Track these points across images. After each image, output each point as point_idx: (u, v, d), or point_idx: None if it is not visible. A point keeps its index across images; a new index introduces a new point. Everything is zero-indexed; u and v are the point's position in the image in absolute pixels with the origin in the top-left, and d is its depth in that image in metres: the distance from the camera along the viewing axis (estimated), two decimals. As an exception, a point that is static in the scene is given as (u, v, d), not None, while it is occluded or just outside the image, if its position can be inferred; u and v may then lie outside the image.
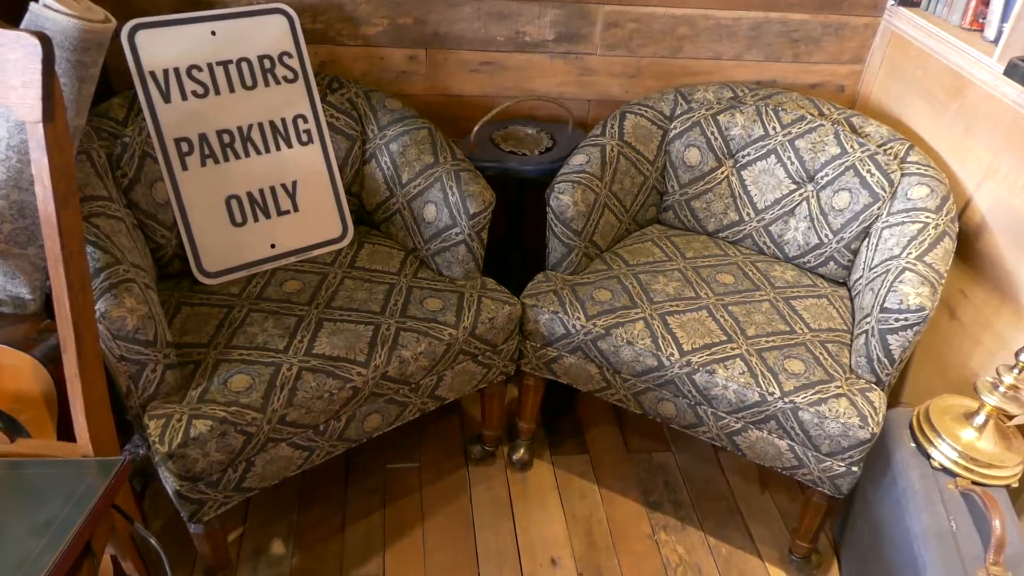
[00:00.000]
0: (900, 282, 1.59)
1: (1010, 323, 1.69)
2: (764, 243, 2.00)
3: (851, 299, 1.88)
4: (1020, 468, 1.55)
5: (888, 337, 1.59)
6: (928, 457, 1.59)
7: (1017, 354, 1.51)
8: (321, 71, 1.90)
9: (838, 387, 1.61)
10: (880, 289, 1.63)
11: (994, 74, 1.69)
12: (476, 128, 1.91)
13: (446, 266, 1.81)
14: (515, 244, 2.20)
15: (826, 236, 1.89)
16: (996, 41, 1.74)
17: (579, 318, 1.74)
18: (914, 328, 1.56)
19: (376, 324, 1.62)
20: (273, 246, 1.78)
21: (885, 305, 1.58)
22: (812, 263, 1.95)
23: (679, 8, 2.00)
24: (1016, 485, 1.56)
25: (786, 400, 1.59)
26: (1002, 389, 1.54)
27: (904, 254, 1.66)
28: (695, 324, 1.72)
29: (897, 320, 1.57)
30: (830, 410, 1.57)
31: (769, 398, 1.60)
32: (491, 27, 1.97)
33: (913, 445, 1.63)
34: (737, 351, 1.67)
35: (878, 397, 1.61)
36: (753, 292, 1.84)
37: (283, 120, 1.78)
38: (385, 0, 1.92)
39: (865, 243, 1.85)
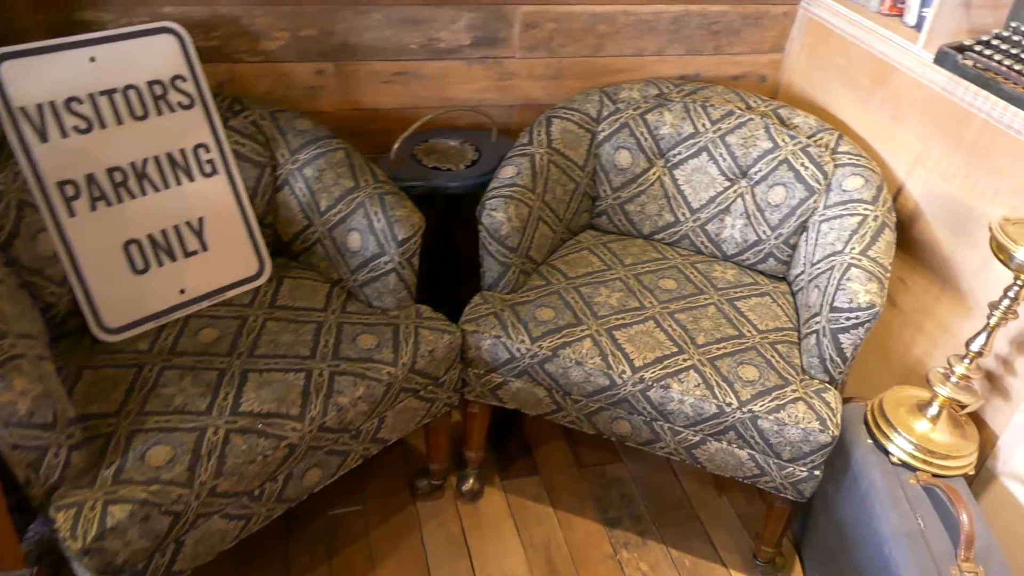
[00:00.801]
0: (847, 279, 1.56)
1: (951, 309, 1.69)
2: (702, 243, 1.95)
3: (792, 294, 1.86)
4: (975, 455, 1.56)
5: (840, 336, 1.56)
6: (886, 453, 1.58)
7: (967, 344, 1.50)
8: (220, 93, 1.73)
9: (794, 391, 1.57)
10: (827, 287, 1.60)
11: (921, 61, 1.67)
12: (396, 145, 1.78)
13: (376, 297, 1.68)
14: (446, 261, 2.08)
15: (764, 232, 1.86)
16: (918, 27, 1.73)
17: (523, 341, 1.64)
18: (865, 325, 1.54)
19: (307, 370, 1.48)
20: (183, 291, 1.61)
21: (835, 304, 1.55)
22: (751, 260, 1.91)
23: (598, 5, 1.91)
24: (973, 472, 1.56)
25: (744, 410, 1.54)
26: (954, 379, 1.53)
27: (847, 249, 1.63)
28: (644, 337, 1.65)
29: (848, 319, 1.54)
30: (789, 416, 1.53)
31: (727, 409, 1.55)
32: (403, 35, 1.84)
33: (870, 441, 1.61)
34: (689, 362, 1.61)
35: (834, 397, 1.58)
36: (697, 296, 1.78)
37: (182, 151, 1.61)
38: (285, 11, 1.76)
39: (803, 237, 1.82)
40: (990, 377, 1.60)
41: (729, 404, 1.55)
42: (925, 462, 1.54)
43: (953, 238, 1.67)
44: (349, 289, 1.72)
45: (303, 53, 1.82)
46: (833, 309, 1.55)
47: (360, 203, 1.66)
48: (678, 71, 2.08)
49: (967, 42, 1.51)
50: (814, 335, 1.61)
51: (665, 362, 1.61)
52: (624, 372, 1.60)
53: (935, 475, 1.53)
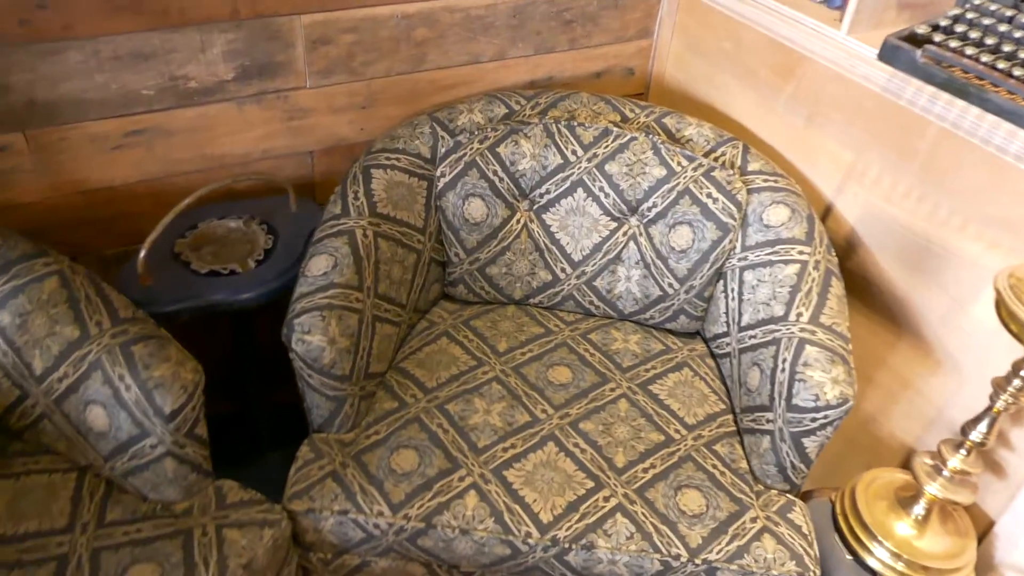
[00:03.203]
0: (804, 365, 1.17)
1: (911, 360, 1.35)
2: (590, 303, 1.50)
3: (712, 356, 1.46)
4: (974, 555, 1.23)
5: (803, 440, 1.17)
6: (874, 574, 1.23)
7: (964, 430, 1.16)
8: None
9: (754, 519, 1.18)
10: (776, 373, 1.21)
11: (848, 52, 1.28)
12: (143, 251, 1.18)
13: (151, 488, 1.12)
14: (246, 369, 1.52)
15: (670, 286, 1.44)
16: (840, 6, 1.32)
17: (381, 513, 1.15)
18: (834, 424, 1.16)
19: (42, 670, 0.92)
20: None
21: (795, 403, 1.16)
22: (656, 319, 1.49)
23: (410, 3, 1.38)
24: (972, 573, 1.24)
25: (697, 561, 1.14)
26: (946, 473, 1.19)
27: (793, 316, 1.24)
28: (545, 472, 1.20)
29: (814, 420, 1.15)
30: (756, 560, 1.14)
31: (675, 563, 1.14)
32: (127, 77, 1.23)
33: (850, 558, 1.25)
34: (613, 500, 1.18)
35: (802, 515, 1.21)
36: (601, 388, 1.35)
37: None
38: (-81, 64, 1.11)
39: (720, 287, 1.42)
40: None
41: (677, 556, 1.14)
42: (922, 580, 1.20)
43: (908, 274, 1.31)
44: (107, 479, 1.14)
45: (-33, 124, 1.17)
46: (792, 408, 1.16)
47: (95, 363, 1.07)
48: (526, 76, 1.59)
49: (920, 30, 1.12)
50: (767, 437, 1.22)
51: (581, 508, 1.17)
52: (529, 534, 1.14)
53: (937, 594, 1.20)
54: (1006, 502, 1.24)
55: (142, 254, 1.17)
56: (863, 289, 1.40)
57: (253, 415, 1.55)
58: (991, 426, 1.12)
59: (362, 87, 1.43)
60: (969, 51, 1.06)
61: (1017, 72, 1.01)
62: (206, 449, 1.15)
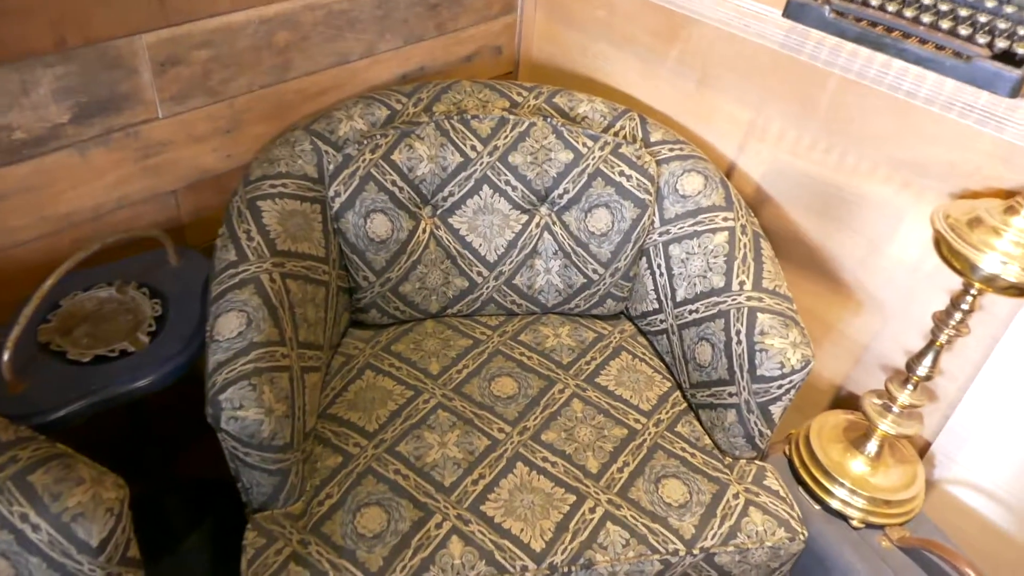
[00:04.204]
0: (761, 334, 1.16)
1: (835, 304, 1.39)
2: (512, 303, 1.42)
3: (643, 334, 1.43)
4: (922, 476, 1.31)
5: (770, 408, 1.17)
6: (844, 518, 1.26)
7: (910, 367, 1.20)
8: None
9: (736, 495, 1.17)
10: (732, 347, 1.19)
11: (739, 11, 1.26)
12: (8, 351, 0.95)
13: (81, 634, 0.92)
14: (141, 447, 1.31)
15: (595, 271, 1.38)
16: (724, -35, 1.30)
17: (363, 588, 1.02)
18: (798, 386, 1.16)
19: None
20: None
21: (760, 374, 1.15)
22: (582, 307, 1.44)
23: (267, 5, 1.19)
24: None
25: (695, 551, 1.11)
26: (896, 410, 1.24)
27: (735, 285, 1.23)
28: (523, 496, 1.12)
29: (780, 387, 1.15)
30: (749, 537, 1.13)
31: (674, 560, 1.11)
32: (-66, 139, 0.98)
33: (818, 507, 1.28)
34: (599, 509, 1.12)
35: (775, 480, 1.22)
36: (549, 391, 1.28)
37: None
38: None
39: (644, 265, 1.39)
40: (905, 377, 1.34)
41: (675, 552, 1.11)
42: (885, 515, 1.25)
43: (822, 223, 1.34)
44: (17, 635, 0.93)
45: None
46: (758, 379, 1.15)
47: (-17, 508, 0.85)
48: (398, 70, 1.45)
49: (819, -16, 1.12)
50: (732, 410, 1.21)
51: (571, 526, 1.10)
52: (525, 568, 1.06)
53: (902, 524, 1.26)
54: (940, 423, 1.32)
55: (6, 356, 0.94)
56: (778, 243, 1.42)
57: (157, 496, 1.34)
58: (935, 359, 1.17)
59: (224, 108, 1.23)
60: (873, 2, 1.07)
61: (925, 19, 1.03)
62: (141, 569, 0.96)
